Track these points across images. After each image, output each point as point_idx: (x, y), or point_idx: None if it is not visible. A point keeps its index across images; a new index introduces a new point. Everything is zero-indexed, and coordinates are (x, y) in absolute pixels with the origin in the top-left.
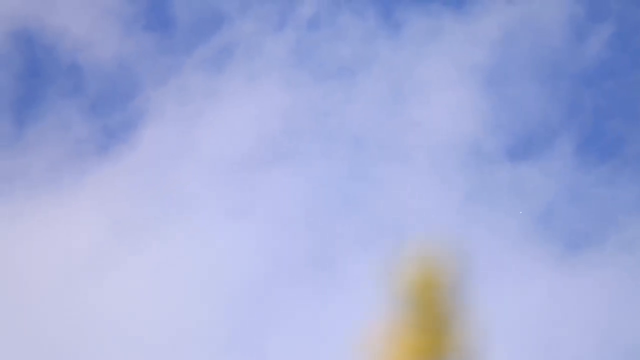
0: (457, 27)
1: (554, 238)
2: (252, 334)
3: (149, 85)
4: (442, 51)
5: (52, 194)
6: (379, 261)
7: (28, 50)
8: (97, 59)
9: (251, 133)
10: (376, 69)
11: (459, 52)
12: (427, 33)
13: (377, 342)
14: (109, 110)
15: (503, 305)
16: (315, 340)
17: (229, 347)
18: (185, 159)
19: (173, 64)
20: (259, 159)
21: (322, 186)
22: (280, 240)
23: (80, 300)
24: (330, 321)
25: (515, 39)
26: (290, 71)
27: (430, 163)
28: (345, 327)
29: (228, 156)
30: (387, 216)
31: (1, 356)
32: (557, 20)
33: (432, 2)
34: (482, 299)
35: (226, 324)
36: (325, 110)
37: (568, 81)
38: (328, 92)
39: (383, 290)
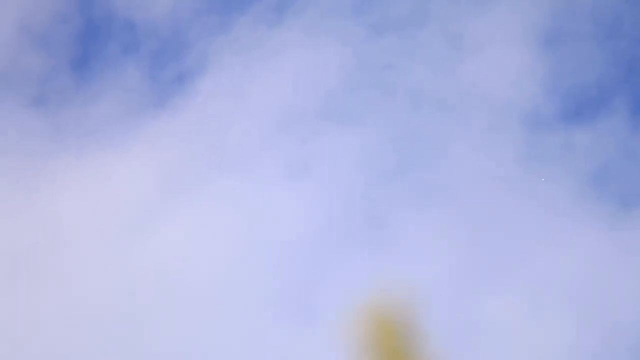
0: None
1: (608, 197)
2: (302, 292)
3: (205, 40)
4: (502, 8)
5: (108, 148)
6: (346, 310)
7: (86, 8)
8: (153, 15)
9: (308, 88)
10: (434, 24)
11: (519, 9)
12: None
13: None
14: (166, 65)
15: (558, 265)
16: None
17: (278, 305)
18: (241, 113)
19: (229, 19)
20: (315, 114)
21: (377, 143)
22: (335, 199)
23: (130, 253)
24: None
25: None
26: (347, 25)
27: (485, 123)
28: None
29: (283, 111)
30: (441, 176)
31: (51, 309)
32: None
33: None
34: (432, 340)
35: (276, 282)
36: (382, 66)
37: (627, 41)
38: (385, 47)
39: (347, 336)
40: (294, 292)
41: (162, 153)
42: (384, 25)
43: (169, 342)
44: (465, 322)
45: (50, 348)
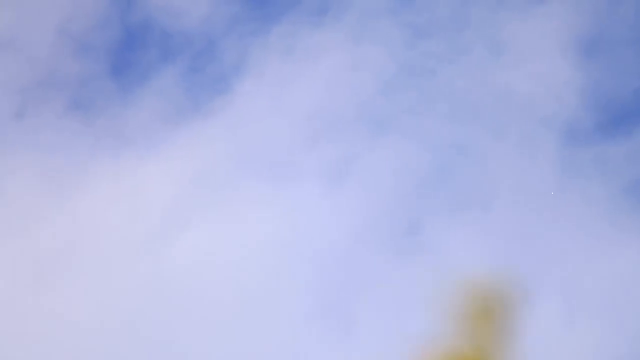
0: None
1: None
2: (338, 301)
3: (243, 45)
4: (543, 15)
5: (145, 154)
6: (438, 283)
7: (125, 15)
8: (191, 21)
9: (346, 92)
10: (475, 30)
11: (561, 16)
12: None
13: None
14: (203, 70)
15: (592, 275)
16: (402, 311)
17: (313, 313)
18: (278, 118)
19: (266, 23)
20: (353, 119)
21: (414, 150)
22: (371, 206)
23: (163, 258)
24: (417, 293)
25: (620, 5)
26: (387, 28)
27: (523, 134)
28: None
29: (321, 116)
30: (477, 186)
31: (81, 310)
32: None
33: None
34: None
35: (311, 291)
36: (421, 71)
37: None
38: (425, 51)
39: (440, 310)
40: (329, 301)
41: (198, 159)
42: (424, 30)
43: (197, 351)
44: None
45: (78, 350)
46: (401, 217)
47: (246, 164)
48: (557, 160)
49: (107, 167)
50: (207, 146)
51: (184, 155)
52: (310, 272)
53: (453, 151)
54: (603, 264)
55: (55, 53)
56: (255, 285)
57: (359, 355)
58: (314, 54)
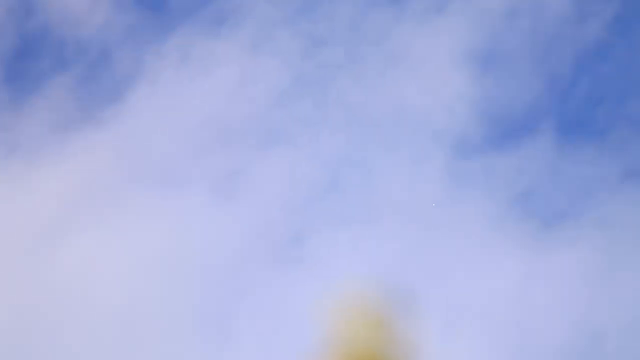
0: (460, 3)
1: (532, 218)
2: (220, 312)
3: (138, 54)
4: (441, 27)
5: (37, 162)
6: (316, 299)
7: (20, 23)
8: (86, 30)
9: (241, 103)
10: (372, 41)
11: (458, 29)
12: (432, 9)
13: None
14: (97, 80)
15: (480, 285)
16: (283, 323)
17: (196, 324)
18: (171, 128)
19: (162, 33)
20: (247, 130)
21: (307, 162)
22: (260, 217)
23: (49, 266)
24: (299, 303)
25: (517, 19)
26: (284, 39)
27: (416, 147)
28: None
29: (214, 127)
30: (368, 200)
31: None
32: (561, 0)
33: None
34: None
35: (196, 300)
36: (317, 81)
37: (564, 63)
38: (321, 62)
39: (319, 327)
40: (214, 310)
41: (89, 168)
42: (320, 40)
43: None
44: None
45: None
46: (289, 228)
47: (137, 174)
48: (446, 173)
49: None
50: (98, 155)
51: (75, 164)
52: (197, 281)
53: (345, 163)
54: (490, 274)
55: None
56: (143, 294)
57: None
58: (210, 64)
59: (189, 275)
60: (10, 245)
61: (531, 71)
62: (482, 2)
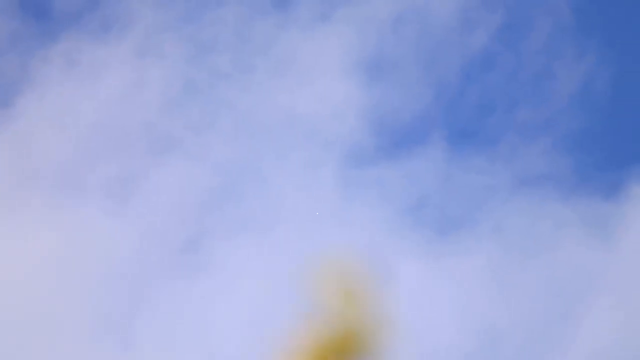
0: (346, 11)
1: (426, 225)
2: (120, 319)
3: (24, 59)
4: (330, 36)
5: None
6: (297, 267)
7: None
8: None
9: (131, 108)
10: (259, 48)
11: (346, 38)
12: (318, 16)
13: (290, 342)
14: None
15: None
16: (181, 327)
17: (93, 330)
18: (61, 133)
19: (50, 37)
20: (138, 136)
21: (199, 168)
22: (153, 224)
23: None
24: (196, 305)
25: (404, 27)
26: (174, 43)
27: (307, 156)
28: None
29: (105, 133)
30: (261, 207)
31: None
32: (448, 9)
33: None
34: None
35: (91, 307)
36: (207, 87)
37: (452, 71)
38: (211, 68)
39: (299, 294)
40: (111, 315)
41: None
42: (208, 46)
43: None
44: None
45: None
46: (184, 234)
47: (28, 179)
48: (339, 181)
49: None
50: None
51: None
52: (93, 289)
53: (237, 170)
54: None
55: None
56: (38, 302)
57: None
58: (97, 70)
59: (85, 280)
60: None
61: (420, 80)
62: (367, 10)
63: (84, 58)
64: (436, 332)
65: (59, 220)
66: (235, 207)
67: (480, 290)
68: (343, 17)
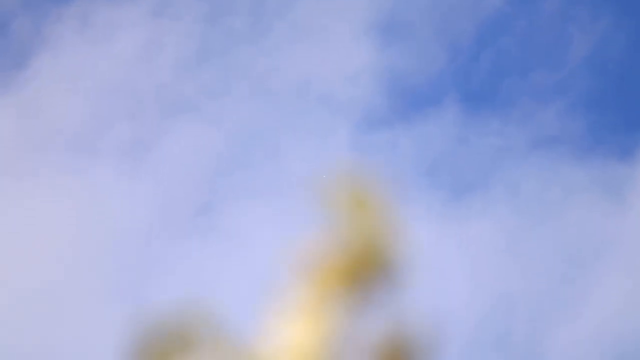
0: None
1: (441, 188)
2: (133, 280)
3: (40, 20)
4: (345, 0)
5: None
6: (310, 178)
7: None
8: None
9: (147, 69)
10: (275, 11)
11: (361, 1)
12: None
13: (306, 259)
14: (3, 45)
15: None
16: (193, 291)
17: (109, 293)
18: (78, 94)
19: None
20: (154, 97)
21: (214, 132)
22: (168, 186)
23: None
24: (221, 273)
25: None
26: (191, 4)
27: (321, 120)
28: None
29: (120, 95)
30: (273, 171)
31: None
32: None
33: None
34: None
35: (105, 270)
36: (223, 50)
37: (466, 34)
38: (227, 30)
39: (313, 207)
40: (124, 282)
41: None
42: (225, 8)
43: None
44: None
45: None
46: (197, 198)
47: (43, 141)
48: (353, 145)
49: None
50: (2, 121)
51: None
52: (106, 251)
53: (250, 133)
54: None
55: None
56: (52, 265)
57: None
58: (112, 31)
59: (97, 242)
60: None
61: (434, 42)
62: None
63: (98, 18)
64: (449, 295)
65: (72, 183)
66: (248, 171)
67: (494, 253)
68: None
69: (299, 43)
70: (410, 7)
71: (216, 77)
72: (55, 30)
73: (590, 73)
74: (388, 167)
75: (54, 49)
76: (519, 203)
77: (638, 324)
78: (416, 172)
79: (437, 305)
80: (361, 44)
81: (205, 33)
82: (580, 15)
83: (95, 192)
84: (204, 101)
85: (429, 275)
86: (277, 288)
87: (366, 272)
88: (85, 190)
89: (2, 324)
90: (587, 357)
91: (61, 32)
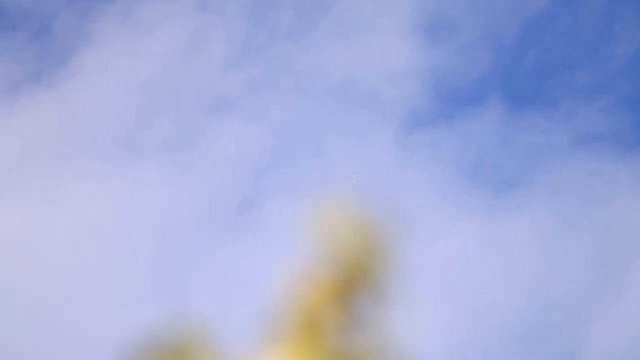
0: None
1: (483, 186)
2: (176, 275)
3: (84, 15)
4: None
5: None
6: (301, 208)
7: None
8: None
9: (191, 65)
10: (321, 8)
11: (403, 3)
12: None
13: (294, 284)
14: (44, 41)
15: (434, 253)
16: (237, 285)
17: (149, 288)
18: (119, 90)
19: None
20: (196, 94)
21: (257, 129)
22: (210, 184)
23: None
24: (255, 266)
25: None
26: (231, 1)
27: (365, 119)
28: (266, 271)
29: (164, 90)
30: (315, 169)
31: None
32: None
33: None
34: (405, 247)
35: (150, 265)
36: (268, 46)
37: (511, 33)
38: (273, 26)
39: (303, 236)
40: (166, 277)
41: (37, 129)
42: (271, 3)
43: (28, 327)
44: None
45: None
46: (239, 194)
47: (86, 136)
48: (396, 144)
49: None
50: (46, 117)
51: (22, 126)
52: (149, 249)
53: (294, 131)
54: (443, 242)
55: None
56: (95, 260)
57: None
58: (156, 26)
59: (140, 238)
60: None
61: (478, 41)
62: None
63: (141, 14)
64: (489, 292)
65: (116, 178)
66: (292, 169)
67: (535, 250)
68: None
69: (343, 40)
70: (455, 7)
71: (260, 73)
72: (98, 26)
73: (633, 71)
74: (392, 193)
75: (98, 45)
76: (561, 201)
77: None
78: (459, 171)
79: (474, 308)
80: (406, 42)
81: (249, 28)
82: (625, 13)
83: (138, 187)
84: (248, 97)
85: (469, 272)
86: (271, 307)
87: (356, 291)
88: (129, 184)
89: (42, 309)
90: (625, 356)
91: (104, 28)
